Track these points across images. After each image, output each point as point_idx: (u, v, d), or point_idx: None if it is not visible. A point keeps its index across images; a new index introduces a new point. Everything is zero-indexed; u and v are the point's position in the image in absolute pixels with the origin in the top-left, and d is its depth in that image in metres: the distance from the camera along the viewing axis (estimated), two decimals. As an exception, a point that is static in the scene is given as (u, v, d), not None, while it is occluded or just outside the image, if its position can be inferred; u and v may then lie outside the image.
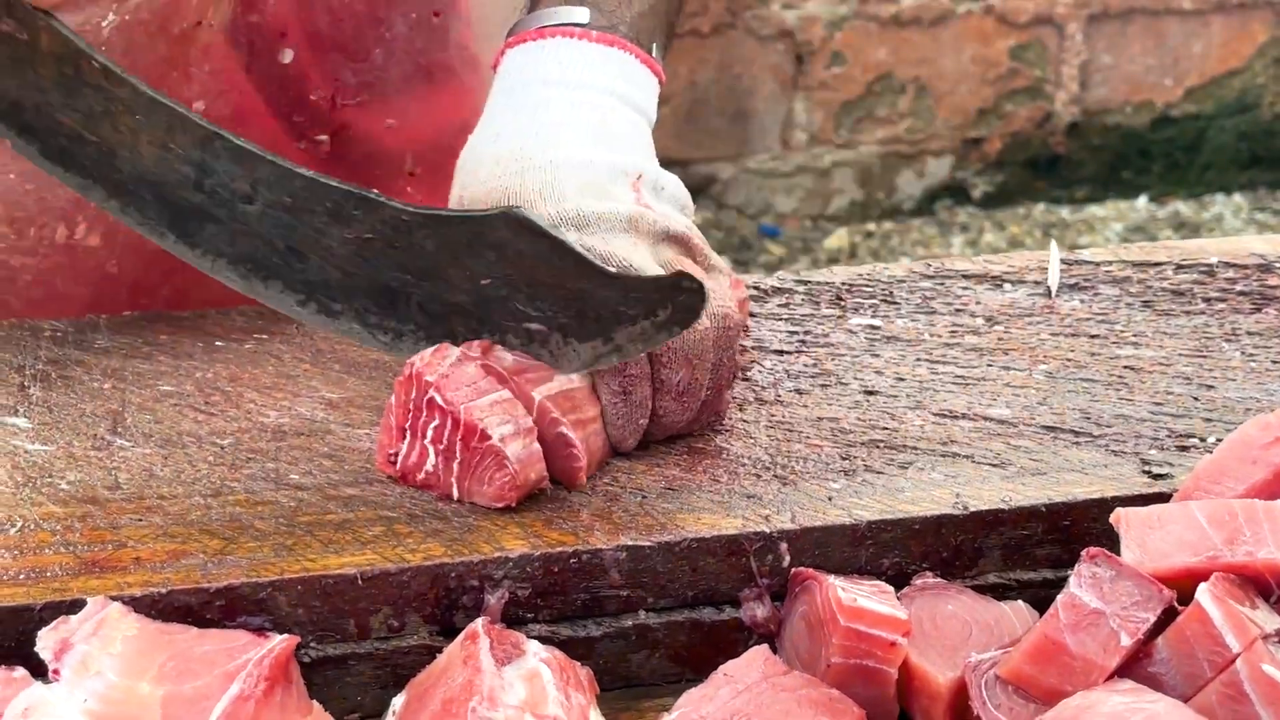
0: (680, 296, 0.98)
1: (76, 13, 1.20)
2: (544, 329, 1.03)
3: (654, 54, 1.18)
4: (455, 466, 1.00)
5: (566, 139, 1.11)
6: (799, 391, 1.16)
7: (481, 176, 1.10)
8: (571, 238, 1.03)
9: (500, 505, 0.99)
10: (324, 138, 1.37)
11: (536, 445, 1.00)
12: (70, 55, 1.07)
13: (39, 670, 0.86)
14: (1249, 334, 1.25)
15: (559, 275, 1.01)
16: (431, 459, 1.01)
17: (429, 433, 1.00)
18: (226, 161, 1.06)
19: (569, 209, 1.07)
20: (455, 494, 1.00)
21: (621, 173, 1.10)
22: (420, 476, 1.01)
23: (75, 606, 0.90)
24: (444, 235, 1.03)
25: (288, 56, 1.33)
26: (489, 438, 0.98)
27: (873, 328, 1.25)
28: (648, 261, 1.06)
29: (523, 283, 1.02)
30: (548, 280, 1.01)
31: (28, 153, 1.11)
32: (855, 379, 1.18)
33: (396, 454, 1.02)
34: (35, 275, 1.31)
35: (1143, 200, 5.02)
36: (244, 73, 1.32)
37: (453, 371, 1.01)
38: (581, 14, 1.15)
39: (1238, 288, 1.32)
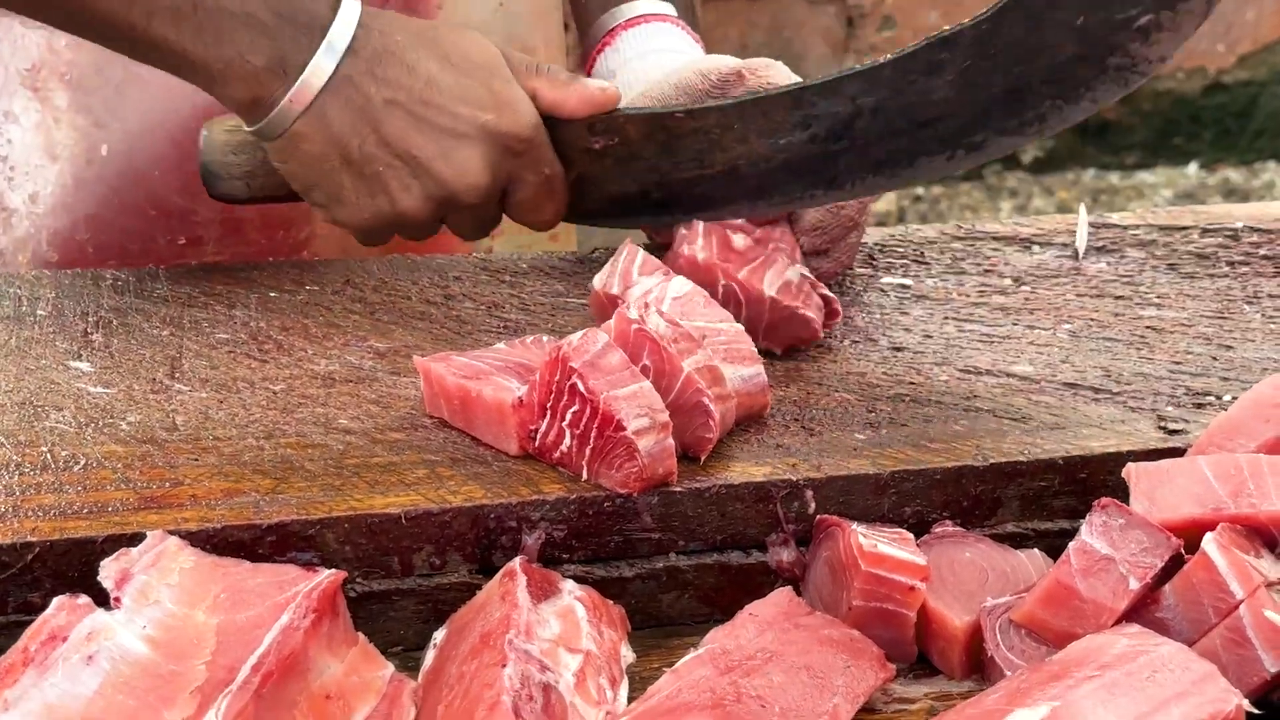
0: None
1: None
2: (1152, 16, 1.07)
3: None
4: (588, 451, 1.02)
5: None
6: (829, 347, 1.20)
7: (670, 74, 1.29)
8: None
9: (623, 491, 1.02)
10: None
11: (670, 441, 1.02)
12: (655, 125, 1.19)
13: (101, 598, 0.91)
14: (1270, 296, 1.28)
15: None
16: (567, 440, 1.03)
17: (567, 416, 1.02)
18: (821, 102, 1.14)
19: None
20: (585, 475, 1.03)
21: None
22: (556, 455, 1.04)
23: (135, 540, 0.94)
24: (1020, 16, 1.09)
25: None
26: (624, 429, 1.01)
27: (903, 287, 1.29)
28: None
29: None
30: None
31: (669, 222, 1.22)
32: (884, 336, 1.22)
33: (536, 430, 1.04)
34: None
35: (1193, 167, 5.02)
36: None
37: (597, 359, 1.02)
38: (668, 8, 1.40)
39: (1261, 251, 1.35)
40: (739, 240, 1.20)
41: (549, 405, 1.04)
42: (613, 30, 1.38)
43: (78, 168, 1.43)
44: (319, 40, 1.15)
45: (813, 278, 1.21)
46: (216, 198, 1.29)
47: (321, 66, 1.16)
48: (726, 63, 1.26)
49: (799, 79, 1.23)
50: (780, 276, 1.18)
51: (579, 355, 1.02)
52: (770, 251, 1.20)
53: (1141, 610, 0.94)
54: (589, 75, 1.40)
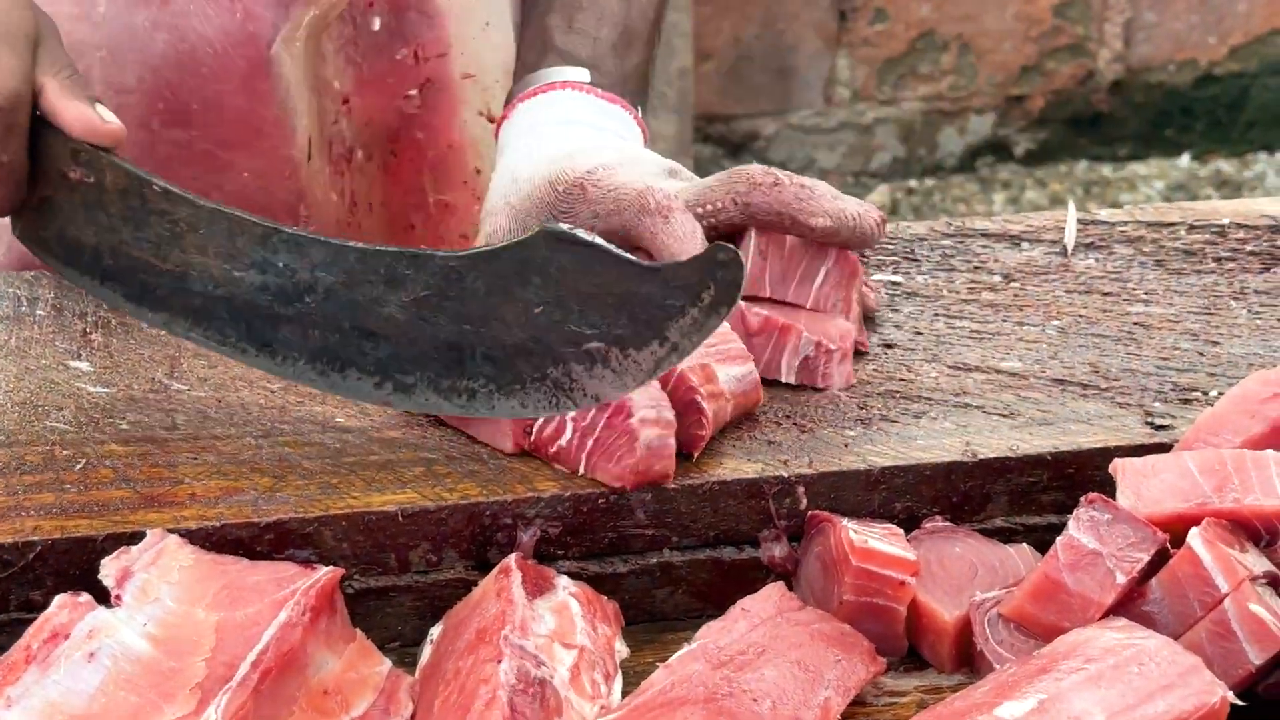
0: (719, 271, 0.98)
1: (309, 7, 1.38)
2: (602, 346, 1.01)
3: (641, 115, 1.31)
4: (590, 443, 1.04)
5: (607, 146, 1.22)
6: (821, 344, 1.22)
7: (529, 177, 1.21)
8: (670, 184, 1.11)
9: (619, 485, 1.03)
10: (414, 93, 1.48)
11: (671, 441, 1.03)
12: (134, 186, 1.11)
13: (102, 596, 0.92)
14: (1257, 292, 1.30)
15: (602, 281, 1.01)
16: (569, 433, 1.04)
17: None
18: (285, 254, 1.09)
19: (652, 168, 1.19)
20: (582, 469, 1.04)
21: (667, 169, 1.21)
22: (553, 449, 1.05)
23: (135, 538, 0.95)
24: (492, 272, 1.04)
25: (376, 24, 1.44)
26: (631, 416, 1.02)
27: (893, 283, 1.31)
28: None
29: (572, 300, 1.02)
30: (593, 290, 1.01)
31: (110, 299, 1.14)
32: (875, 332, 1.23)
33: (533, 425, 1.06)
34: None
35: (1185, 158, 5.04)
36: (354, 45, 1.44)
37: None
38: (582, 74, 1.28)
39: (1248, 248, 1.36)
40: (754, 319, 1.17)
41: None
42: (512, 102, 1.31)
43: None
44: None
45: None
46: None
47: None
48: (574, 170, 1.19)
49: (648, 184, 1.16)
50: (797, 355, 1.17)
51: None
52: (782, 329, 1.17)
53: (1128, 604, 0.96)
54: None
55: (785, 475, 1.05)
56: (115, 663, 0.88)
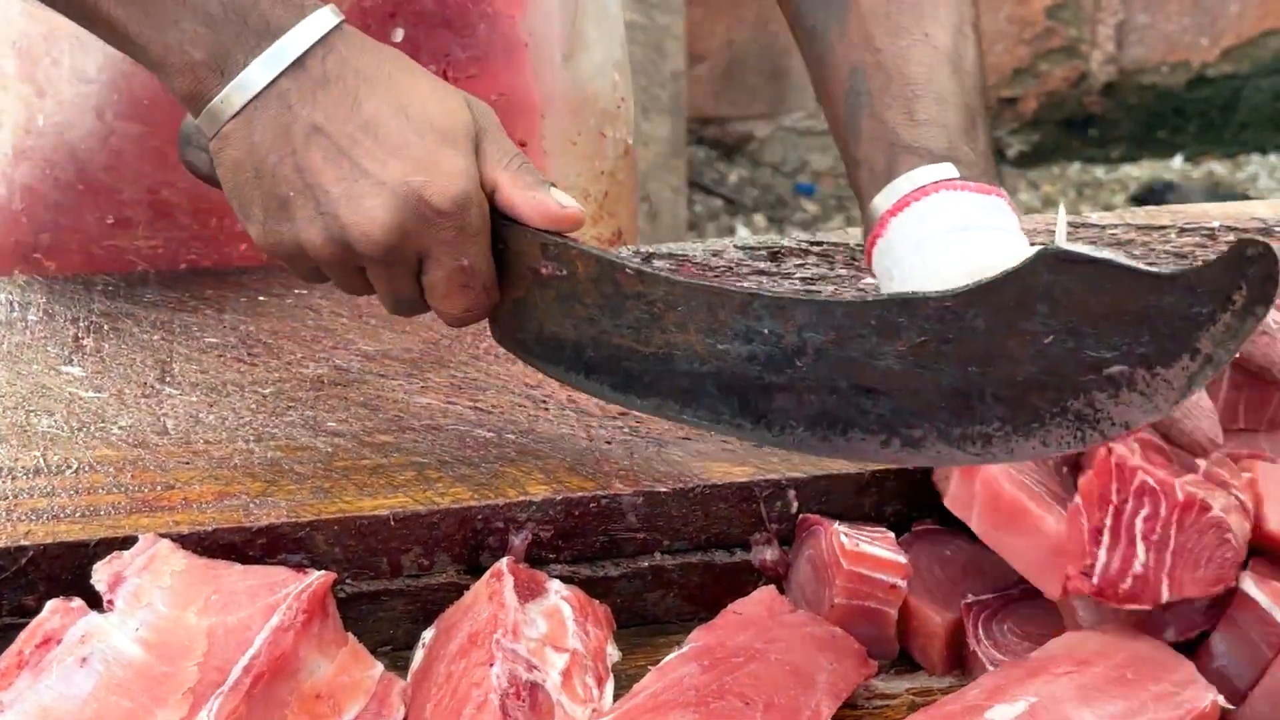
0: (1250, 268, 0.88)
1: None
2: (1126, 368, 0.93)
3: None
4: (1168, 556, 0.94)
5: (1014, 247, 1.13)
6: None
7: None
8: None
9: (1216, 589, 0.95)
10: None
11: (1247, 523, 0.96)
12: (605, 272, 1.06)
13: (94, 601, 0.92)
14: (1247, 295, 1.30)
15: (1116, 298, 0.92)
16: (1141, 557, 0.94)
17: (1138, 525, 0.94)
18: (768, 319, 1.02)
19: None
20: (1166, 593, 0.94)
21: None
22: (1125, 585, 0.95)
23: (127, 543, 0.96)
24: (991, 306, 0.96)
25: (399, 36, 1.40)
26: (1209, 509, 0.94)
27: (885, 287, 1.30)
28: None
29: (1085, 324, 0.94)
30: (1106, 309, 0.93)
31: (597, 392, 1.09)
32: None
33: (1093, 564, 0.95)
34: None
35: (1178, 160, 5.05)
36: None
37: (1149, 456, 0.96)
38: (949, 170, 1.17)
39: (1238, 251, 1.36)
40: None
41: (1106, 525, 0.95)
42: (883, 218, 1.18)
43: (18, 137, 1.42)
44: (264, 46, 1.07)
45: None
46: (183, 162, 1.23)
47: (256, 74, 1.07)
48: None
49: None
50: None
51: (1131, 455, 0.96)
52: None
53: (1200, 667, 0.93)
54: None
55: (776, 478, 1.05)
56: (107, 668, 0.88)
